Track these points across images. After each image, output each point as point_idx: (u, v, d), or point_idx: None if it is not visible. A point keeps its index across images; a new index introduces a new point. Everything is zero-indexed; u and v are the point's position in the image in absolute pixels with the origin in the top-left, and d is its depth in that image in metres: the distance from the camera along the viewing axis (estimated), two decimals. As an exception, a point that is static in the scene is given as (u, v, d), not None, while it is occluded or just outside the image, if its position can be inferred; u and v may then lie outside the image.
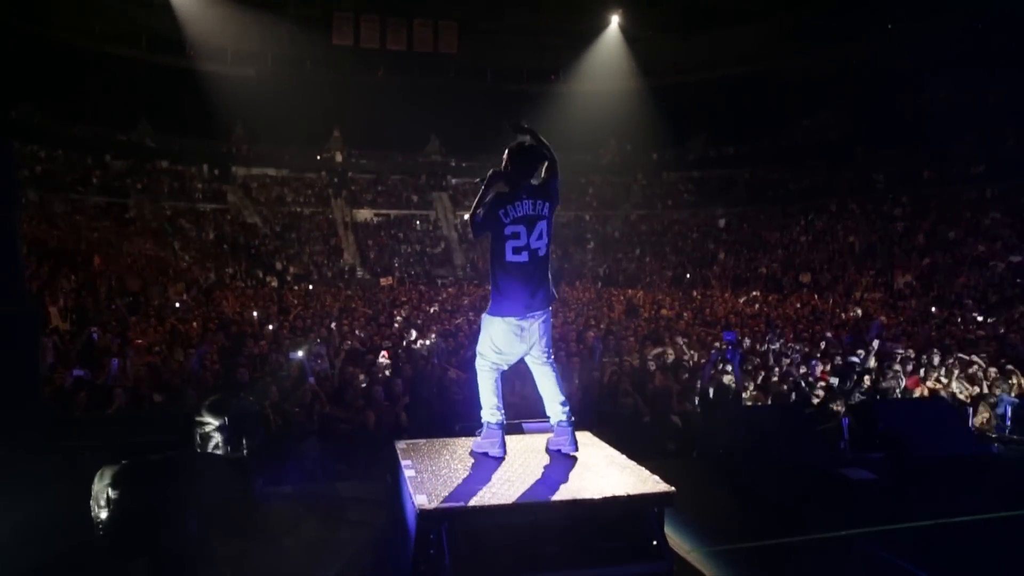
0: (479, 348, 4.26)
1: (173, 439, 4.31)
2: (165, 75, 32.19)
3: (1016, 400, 7.94)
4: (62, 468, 3.80)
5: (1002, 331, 13.21)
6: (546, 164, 4.13)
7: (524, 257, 4.00)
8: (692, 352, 10.77)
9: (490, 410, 4.23)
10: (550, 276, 4.20)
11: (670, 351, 10.50)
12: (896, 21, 31.26)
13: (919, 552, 4.28)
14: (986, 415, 7.79)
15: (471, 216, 4.09)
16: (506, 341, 4.10)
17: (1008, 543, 4.58)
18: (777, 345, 11.36)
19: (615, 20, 35.81)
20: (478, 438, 4.30)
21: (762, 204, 34.01)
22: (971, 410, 7.80)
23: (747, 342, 11.63)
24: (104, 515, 3.25)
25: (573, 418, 4.29)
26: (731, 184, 36.84)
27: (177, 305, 16.37)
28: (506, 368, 4.26)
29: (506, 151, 4.10)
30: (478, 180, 4.15)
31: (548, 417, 4.35)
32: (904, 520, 4.79)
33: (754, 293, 23.00)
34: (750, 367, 9.54)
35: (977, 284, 19.81)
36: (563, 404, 4.26)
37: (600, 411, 7.19)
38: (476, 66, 38.10)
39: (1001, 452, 7.03)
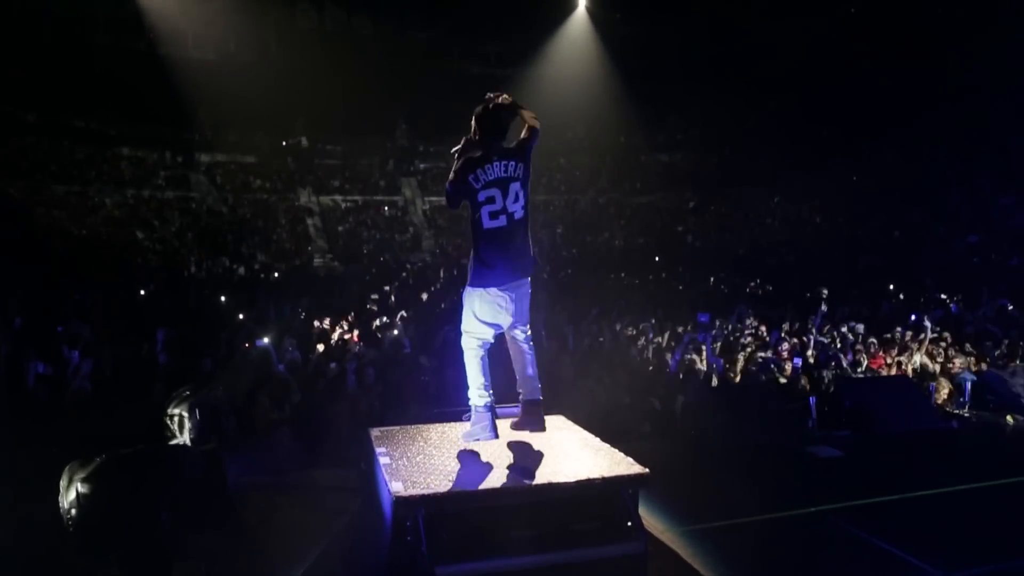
0: (463, 326, 4.13)
1: (143, 432, 4.24)
2: (125, 60, 31.34)
3: (974, 376, 8.18)
4: (29, 464, 3.73)
5: (961, 309, 13.51)
6: (526, 126, 4.04)
7: (502, 221, 3.87)
8: (665, 333, 10.86)
9: (477, 391, 4.09)
10: (531, 241, 4.09)
11: (646, 333, 10.59)
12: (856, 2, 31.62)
13: (885, 526, 4.40)
14: (947, 391, 8.01)
15: (445, 187, 3.96)
16: (490, 313, 3.98)
17: (971, 514, 4.73)
18: (744, 325, 11.51)
19: (582, 3, 35.73)
20: (466, 425, 4.19)
21: (730, 186, 34.34)
22: (933, 387, 8.00)
23: (716, 323, 11.75)
24: (74, 511, 3.20)
25: (542, 398, 4.23)
26: (700, 166, 37.10)
27: (143, 293, 16.06)
28: (492, 342, 4.13)
29: (473, 116, 3.97)
30: (453, 151, 3.99)
31: (519, 393, 4.28)
32: (870, 495, 4.92)
33: (722, 275, 23.22)
34: (721, 348, 9.66)
35: (937, 264, 20.23)
36: (536, 382, 4.20)
37: (574, 393, 7.23)
38: (444, 49, 37.77)
39: (961, 427, 7.23)
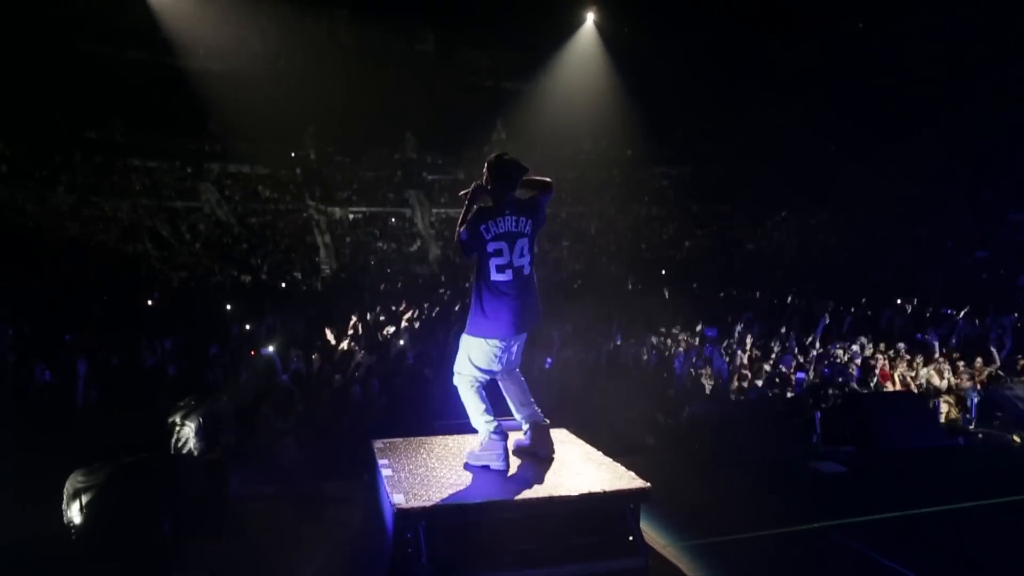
0: (456, 367, 4.12)
1: (147, 441, 4.26)
2: (136, 70, 31.65)
3: (981, 393, 8.12)
4: (33, 472, 3.76)
5: (968, 324, 13.42)
6: (542, 182, 4.01)
7: (508, 276, 3.87)
8: (671, 346, 10.84)
9: (482, 420, 4.06)
10: (537, 296, 4.06)
11: (650, 346, 10.57)
12: (865, 17, 31.70)
13: (889, 543, 4.37)
14: (953, 408, 7.96)
15: (457, 235, 3.95)
16: (485, 361, 3.98)
17: (975, 532, 4.69)
18: (752, 338, 11.46)
19: (591, 17, 35.90)
20: (472, 442, 4.18)
21: (736, 200, 34.33)
22: (939, 403, 7.95)
23: (723, 337, 11.71)
24: (77, 518, 3.22)
25: (548, 420, 4.23)
26: (706, 180, 37.11)
27: (150, 303, 16.13)
28: (486, 380, 4.11)
29: (485, 164, 3.95)
30: (461, 194, 4.01)
31: (520, 421, 4.26)
32: (874, 512, 4.88)
33: (728, 288, 23.17)
34: (727, 362, 9.63)
35: (946, 279, 20.16)
36: (535, 407, 4.21)
37: (578, 406, 7.22)
38: (452, 62, 38.00)
39: (967, 444, 7.18)
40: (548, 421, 4.23)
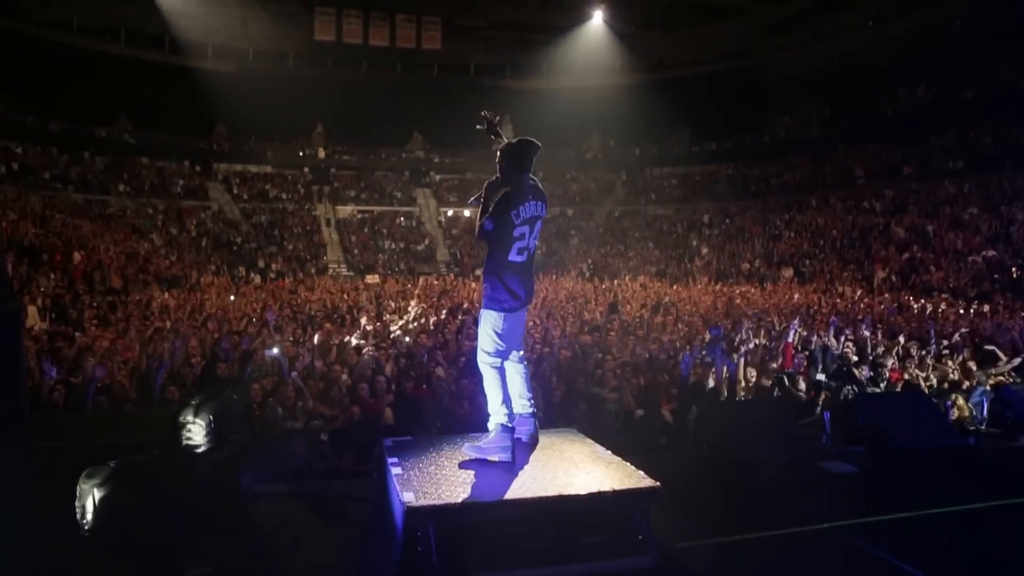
0: (482, 346, 4.26)
1: (157, 439, 4.28)
2: (145, 70, 31.84)
3: (992, 392, 8.07)
4: (46, 468, 3.78)
5: (979, 324, 13.36)
6: None
7: (524, 257, 4.12)
8: (679, 345, 10.79)
9: (500, 409, 4.20)
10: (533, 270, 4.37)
11: (655, 344, 10.53)
12: (876, 18, 31.64)
13: (900, 543, 4.35)
14: (963, 407, 7.91)
15: (480, 227, 4.04)
16: (505, 328, 4.17)
17: (986, 533, 4.67)
18: (756, 340, 11.41)
19: (598, 15, 35.82)
20: (478, 442, 4.23)
21: (744, 199, 34.23)
22: (949, 403, 7.91)
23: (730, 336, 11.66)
24: (90, 515, 3.24)
25: (535, 410, 4.46)
26: (714, 179, 37.04)
27: (158, 302, 16.20)
28: (507, 358, 4.29)
29: (498, 153, 4.08)
30: (471, 200, 4.18)
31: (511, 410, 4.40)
32: (885, 512, 4.86)
33: (736, 288, 23.12)
34: (735, 361, 9.57)
35: (955, 278, 20.07)
36: (529, 399, 4.40)
37: (587, 407, 7.23)
38: (459, 62, 38.02)
39: (978, 444, 7.13)
40: (534, 411, 4.45)
